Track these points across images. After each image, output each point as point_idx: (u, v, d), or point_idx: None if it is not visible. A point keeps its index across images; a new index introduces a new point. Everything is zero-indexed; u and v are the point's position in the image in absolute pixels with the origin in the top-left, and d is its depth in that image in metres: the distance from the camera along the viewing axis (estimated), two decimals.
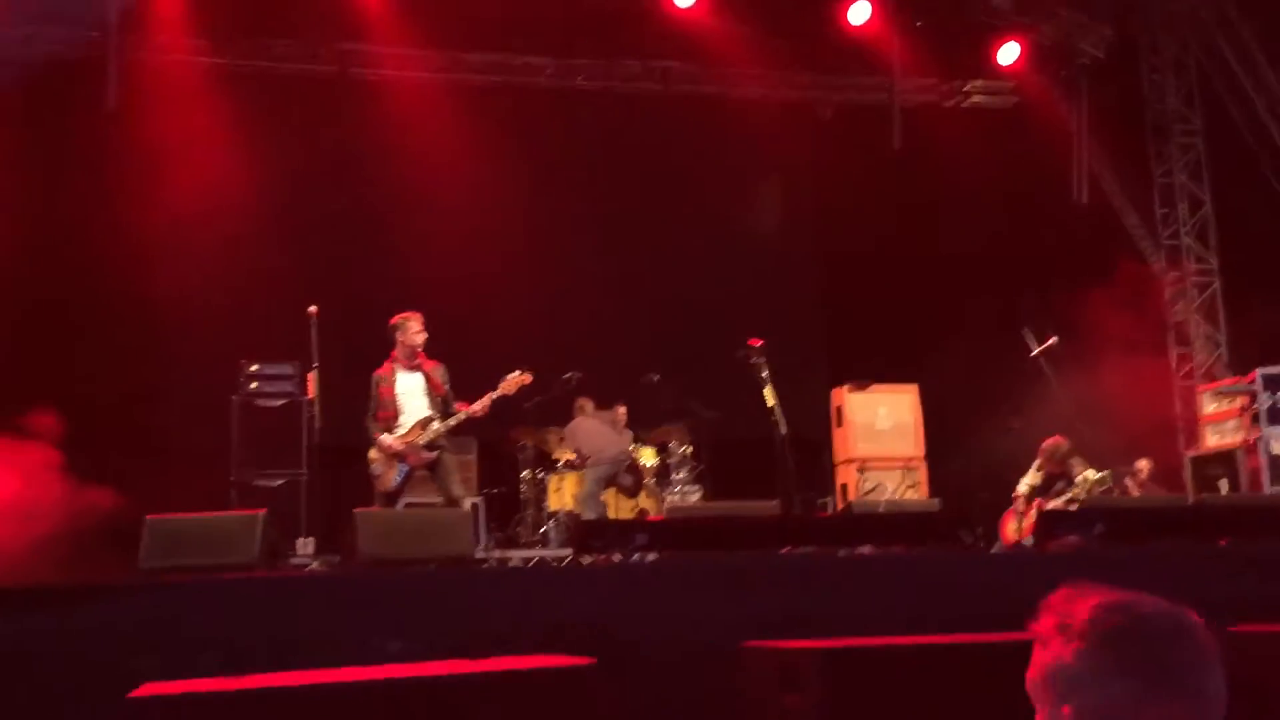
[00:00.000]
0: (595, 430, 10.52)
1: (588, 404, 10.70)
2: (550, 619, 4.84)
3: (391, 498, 8.02)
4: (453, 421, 8.05)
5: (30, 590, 5.02)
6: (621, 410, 10.85)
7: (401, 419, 8.05)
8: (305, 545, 8.78)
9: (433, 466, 8.05)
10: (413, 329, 8.08)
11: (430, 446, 8.00)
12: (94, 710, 4.02)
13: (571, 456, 10.63)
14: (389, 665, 4.16)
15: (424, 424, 8.01)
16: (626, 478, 10.47)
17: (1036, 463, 9.55)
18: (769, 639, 4.47)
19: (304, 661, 4.14)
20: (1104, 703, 1.68)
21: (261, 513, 6.35)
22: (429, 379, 8.13)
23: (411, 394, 8.11)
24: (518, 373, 8.21)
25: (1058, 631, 1.74)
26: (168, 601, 4.87)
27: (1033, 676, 1.77)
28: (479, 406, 8.07)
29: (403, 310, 8.36)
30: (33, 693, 4.32)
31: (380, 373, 8.13)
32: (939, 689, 3.83)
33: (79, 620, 4.60)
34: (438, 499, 8.28)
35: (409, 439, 7.97)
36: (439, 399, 8.12)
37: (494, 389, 8.11)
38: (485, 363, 8.81)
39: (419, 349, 8.11)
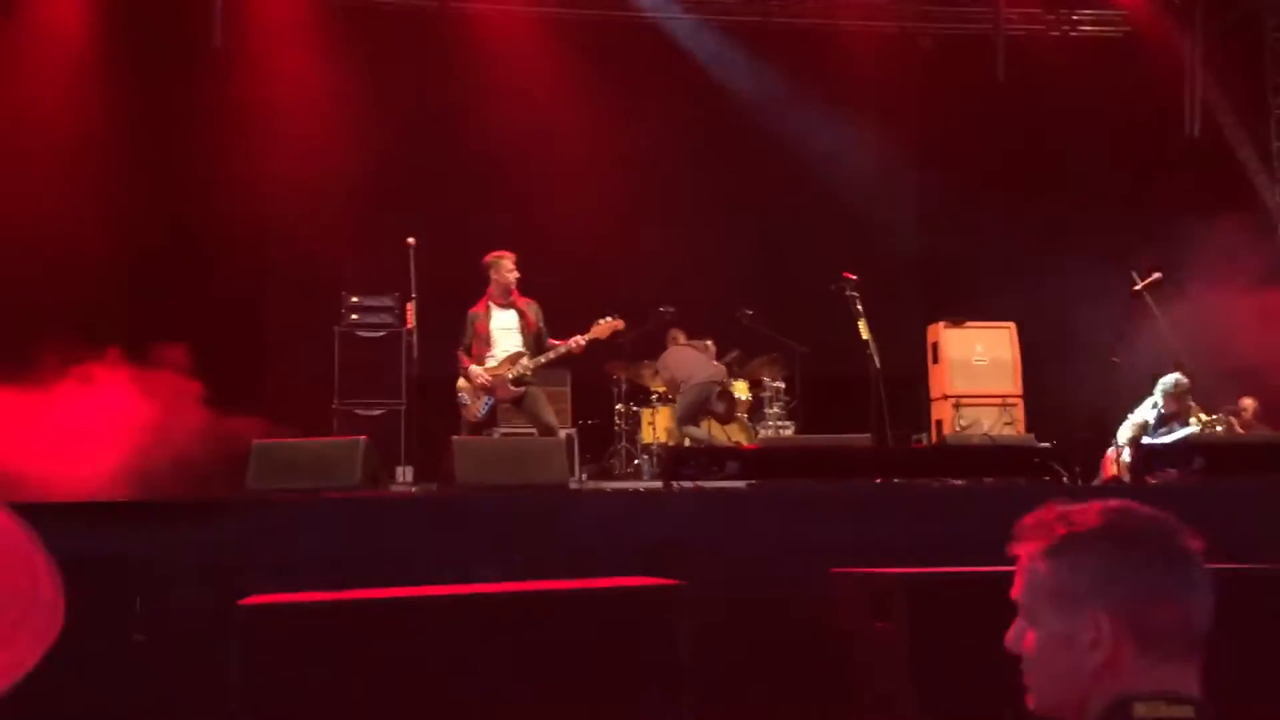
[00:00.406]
0: (688, 356, 10.58)
1: (680, 334, 10.78)
2: (642, 542, 4.92)
3: (478, 428, 8.18)
4: (543, 359, 8.19)
5: (152, 504, 5.28)
6: (710, 343, 10.91)
7: (493, 352, 8.20)
8: (405, 473, 8.98)
9: (519, 401, 8.19)
10: (505, 267, 8.22)
11: (518, 382, 8.13)
12: (208, 615, 4.21)
13: (664, 389, 10.68)
14: (483, 584, 4.29)
15: (514, 359, 8.16)
16: (719, 404, 10.48)
17: (1149, 400, 9.34)
18: (859, 566, 4.50)
19: (400, 579, 4.27)
20: (1142, 590, 1.72)
21: (363, 439, 6.48)
22: (523, 315, 8.27)
23: (506, 330, 8.27)
24: (609, 318, 8.35)
25: (1068, 541, 1.76)
26: (273, 518, 5.05)
27: (1033, 592, 1.79)
28: (572, 344, 8.19)
29: (497, 247, 8.48)
30: (154, 598, 4.53)
31: (475, 310, 8.29)
32: None
33: (194, 533, 4.82)
34: (530, 429, 8.42)
35: (498, 372, 8.12)
36: (532, 335, 8.26)
37: (585, 332, 8.23)
38: (581, 298, 9.01)
39: (512, 286, 8.27)
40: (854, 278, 9.20)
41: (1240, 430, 9.84)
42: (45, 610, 0.97)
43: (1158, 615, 1.72)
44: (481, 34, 11.64)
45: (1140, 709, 1.69)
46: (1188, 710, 1.70)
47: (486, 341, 8.19)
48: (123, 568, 4.56)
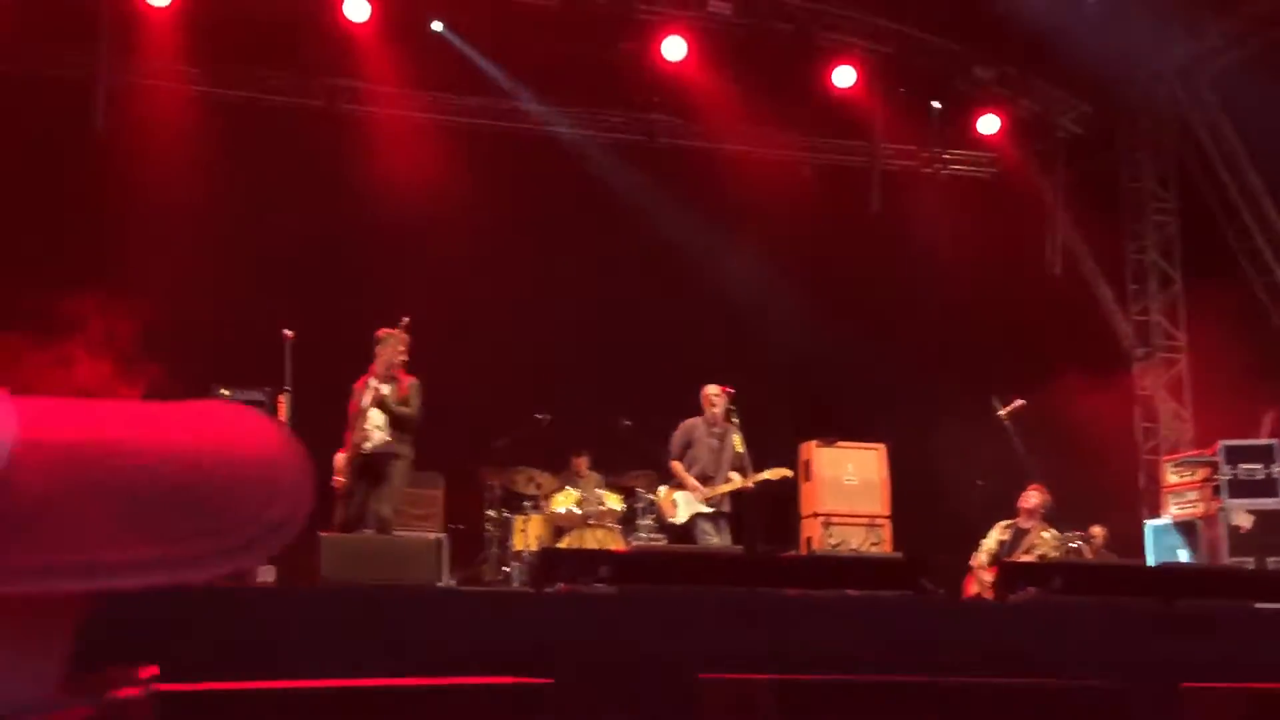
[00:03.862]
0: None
1: (583, 462, 10.81)
2: (511, 644, 4.84)
3: (351, 522, 8.04)
4: (394, 409, 8.11)
5: None
6: (583, 460, 10.91)
7: (364, 426, 8.17)
8: (267, 573, 8.69)
9: (381, 472, 8.06)
10: (396, 346, 8.20)
11: (382, 451, 8.00)
12: None
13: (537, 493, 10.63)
14: (345, 679, 4.15)
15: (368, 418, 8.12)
16: None
17: (1003, 523, 9.63)
18: (727, 673, 4.48)
19: (258, 674, 4.11)
20: None
21: None
22: (398, 388, 8.25)
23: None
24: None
25: None
26: (129, 610, 4.84)
27: None
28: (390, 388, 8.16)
29: (375, 345, 8.38)
30: None
31: (356, 386, 8.22)
32: None
33: None
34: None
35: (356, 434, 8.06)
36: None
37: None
38: (458, 402, 9.01)
39: (397, 366, 8.22)
40: (730, 392, 9.36)
41: (1090, 557, 10.12)
42: (288, 513, 0.95)
43: None
44: (369, 135, 11.74)
45: None
46: None
47: (362, 415, 8.12)
48: None
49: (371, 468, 8.10)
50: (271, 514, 0.92)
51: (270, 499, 0.92)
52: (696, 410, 9.60)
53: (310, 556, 6.56)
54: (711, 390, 9.51)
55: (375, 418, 8.13)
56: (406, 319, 8.28)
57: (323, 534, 6.90)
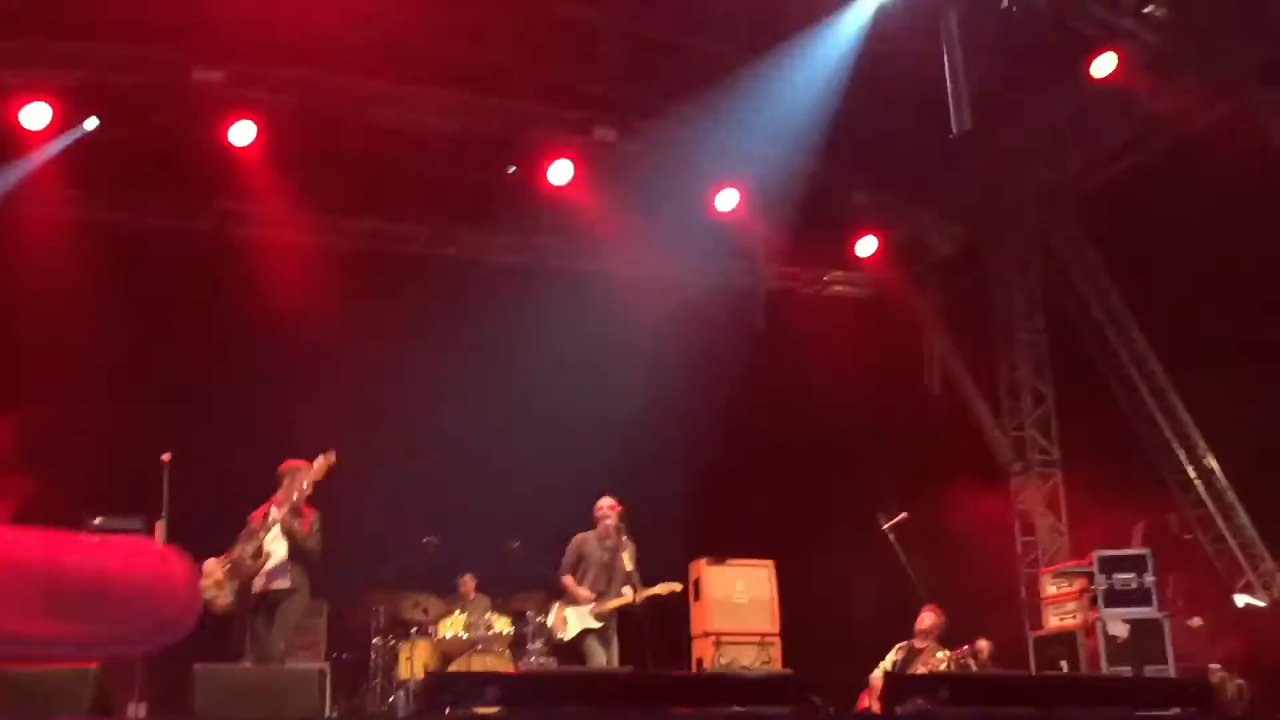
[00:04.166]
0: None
1: (469, 580, 10.73)
2: None
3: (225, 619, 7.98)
4: (302, 544, 8.07)
5: None
6: (469, 579, 10.78)
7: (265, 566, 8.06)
8: (138, 709, 8.26)
9: (277, 607, 7.96)
10: (303, 479, 8.12)
11: (283, 589, 7.93)
12: None
13: (424, 620, 10.38)
14: None
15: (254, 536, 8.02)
16: None
17: (900, 644, 9.70)
18: None
19: None
20: None
21: (93, 666, 6.02)
22: (302, 521, 8.16)
23: (278, 539, 8.14)
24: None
25: None
26: None
27: None
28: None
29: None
30: None
31: (254, 516, 8.13)
32: None
33: None
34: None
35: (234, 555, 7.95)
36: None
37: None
38: (344, 527, 8.76)
39: (303, 500, 8.17)
40: (618, 509, 9.45)
41: (976, 669, 10.18)
42: (180, 613, 1.03)
43: None
44: (254, 258, 11.58)
45: None
46: None
47: (259, 548, 8.03)
48: None
49: (269, 606, 8.01)
50: (165, 612, 1.00)
51: (166, 600, 1.00)
52: (586, 528, 9.60)
53: (183, 691, 6.35)
54: (604, 503, 9.65)
55: (278, 551, 8.04)
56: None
57: (197, 665, 6.59)
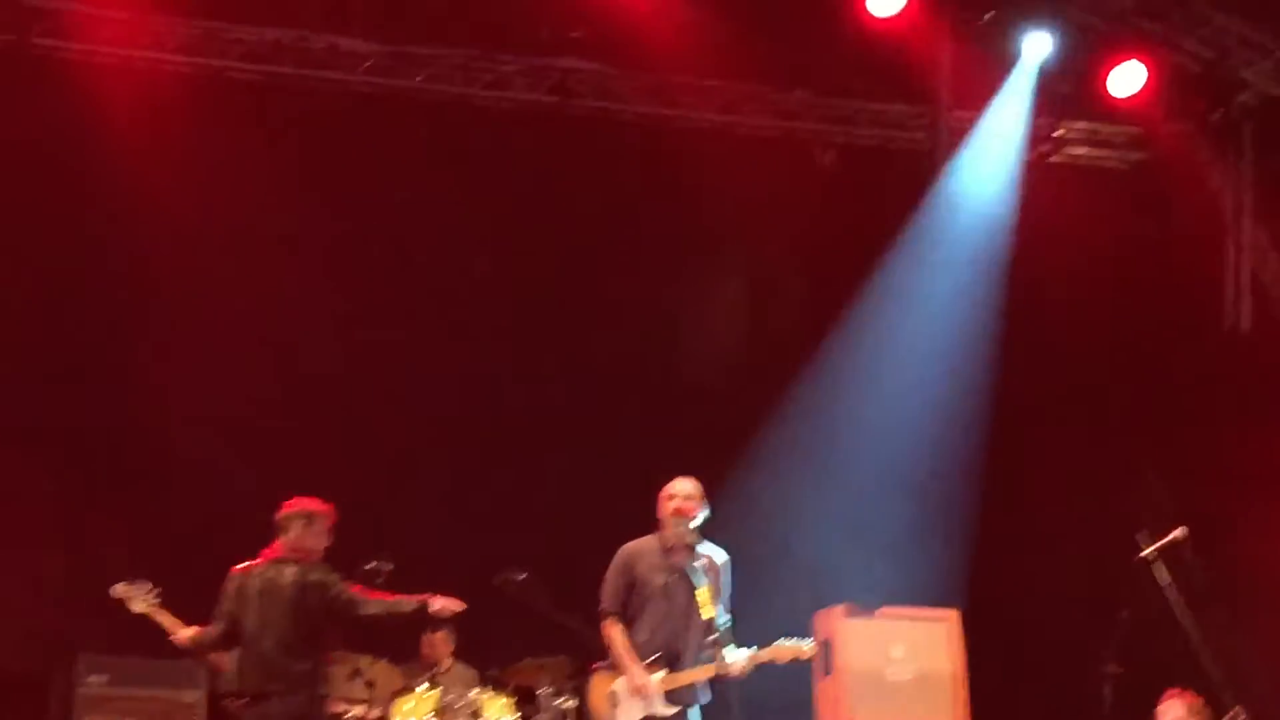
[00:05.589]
0: None
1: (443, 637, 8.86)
2: None
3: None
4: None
5: None
6: (441, 636, 8.61)
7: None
8: None
9: None
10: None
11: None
12: None
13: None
14: None
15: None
16: None
17: None
18: None
19: None
20: None
21: None
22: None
23: None
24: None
25: None
26: None
27: None
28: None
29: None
30: None
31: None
32: None
33: None
34: None
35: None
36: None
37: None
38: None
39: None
40: (701, 500, 7.11)
41: None
42: None
43: None
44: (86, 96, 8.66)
45: None
46: None
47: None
48: None
49: None
50: None
51: None
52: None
53: None
54: (680, 489, 7.07)
55: None
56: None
57: None
